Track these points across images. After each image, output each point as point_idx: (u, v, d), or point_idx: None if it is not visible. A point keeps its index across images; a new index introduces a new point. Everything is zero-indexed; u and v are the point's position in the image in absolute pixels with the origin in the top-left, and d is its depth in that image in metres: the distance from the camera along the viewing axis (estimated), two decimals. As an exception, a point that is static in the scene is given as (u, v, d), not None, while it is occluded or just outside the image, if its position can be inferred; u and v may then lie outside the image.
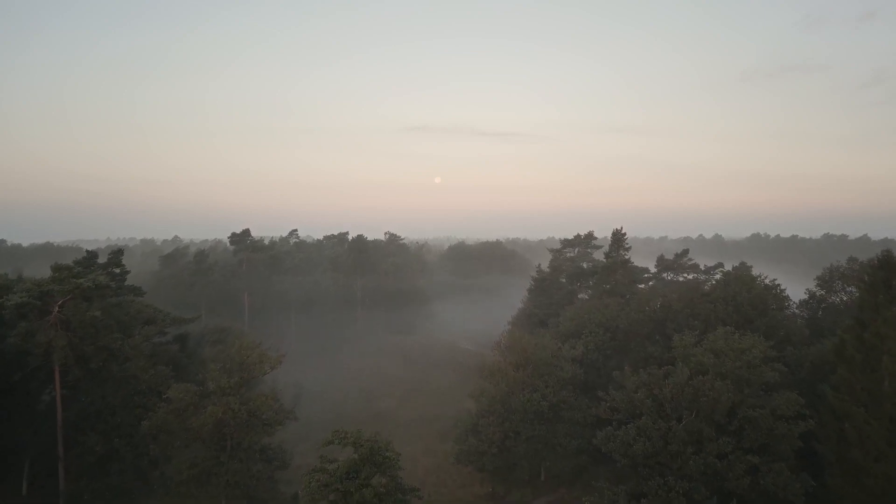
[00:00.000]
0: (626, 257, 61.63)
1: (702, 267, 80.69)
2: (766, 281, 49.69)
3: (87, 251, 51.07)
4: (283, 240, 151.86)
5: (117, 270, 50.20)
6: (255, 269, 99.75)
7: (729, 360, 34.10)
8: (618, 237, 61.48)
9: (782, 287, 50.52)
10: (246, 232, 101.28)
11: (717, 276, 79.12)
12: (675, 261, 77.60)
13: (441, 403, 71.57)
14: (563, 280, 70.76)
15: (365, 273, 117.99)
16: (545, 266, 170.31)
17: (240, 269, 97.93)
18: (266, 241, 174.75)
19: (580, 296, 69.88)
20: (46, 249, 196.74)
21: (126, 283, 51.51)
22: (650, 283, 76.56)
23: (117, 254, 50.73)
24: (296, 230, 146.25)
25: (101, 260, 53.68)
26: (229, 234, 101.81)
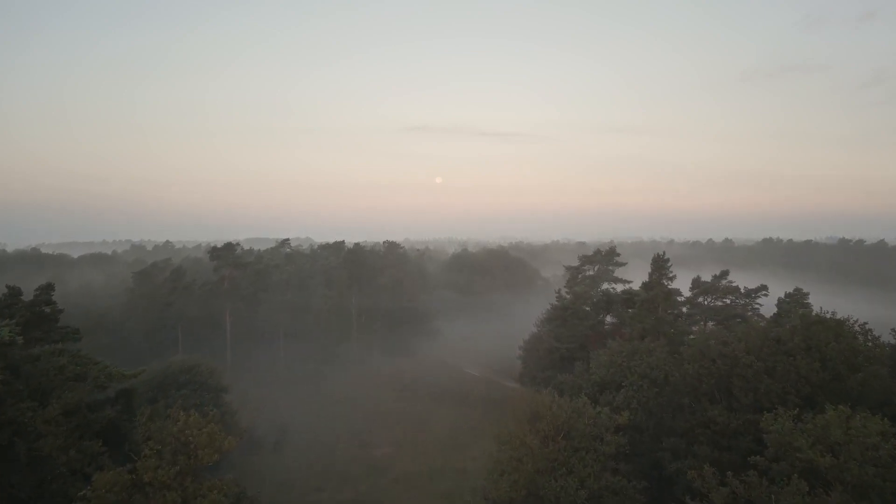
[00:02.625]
0: (669, 287, 51.72)
1: (741, 289, 70.97)
2: (856, 325, 39.86)
3: (9, 286, 41.28)
4: (275, 248, 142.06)
5: (47, 310, 40.43)
6: (238, 286, 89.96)
7: (854, 464, 24.29)
8: (659, 263, 51.46)
9: (875, 332, 40.67)
10: (228, 246, 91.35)
11: (760, 301, 69.71)
12: (714, 283, 67.83)
13: (446, 450, 61.88)
14: (588, 308, 60.86)
15: (361, 288, 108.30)
16: (552, 278, 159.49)
17: (221, 286, 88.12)
18: (257, 250, 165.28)
19: (608, 326, 60.14)
20: (29, 257, 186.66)
21: (59, 324, 41.66)
22: (685, 308, 66.82)
23: (47, 289, 41.00)
24: (287, 240, 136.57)
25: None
26: (209, 250, 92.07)
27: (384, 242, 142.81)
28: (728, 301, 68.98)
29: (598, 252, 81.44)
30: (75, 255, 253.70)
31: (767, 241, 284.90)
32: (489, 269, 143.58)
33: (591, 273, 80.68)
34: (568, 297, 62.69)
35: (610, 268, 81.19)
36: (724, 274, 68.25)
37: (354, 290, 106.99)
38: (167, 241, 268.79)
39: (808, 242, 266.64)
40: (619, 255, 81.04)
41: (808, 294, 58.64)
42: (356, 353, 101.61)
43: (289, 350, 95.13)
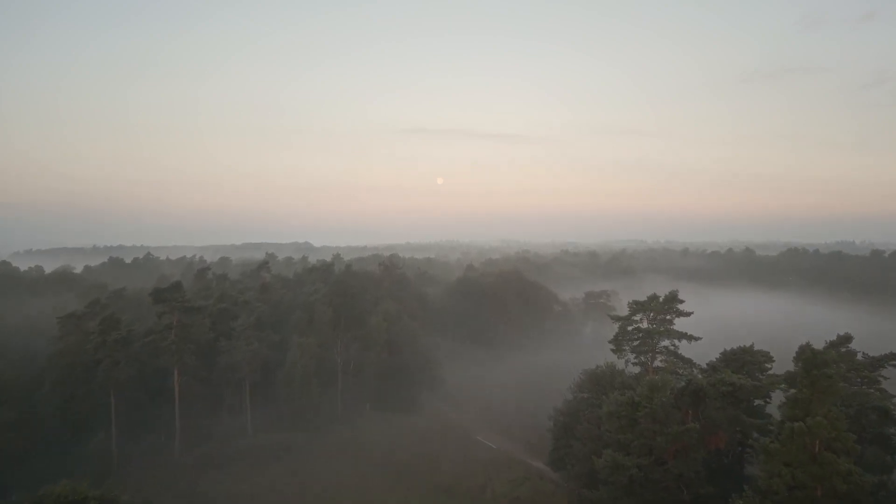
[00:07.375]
0: (833, 408, 31.90)
1: (859, 355, 52.29)
2: None
3: None
4: (254, 272, 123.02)
5: None
6: (191, 335, 70.91)
7: None
8: (812, 366, 31.28)
9: None
10: (176, 285, 72.29)
11: (885, 373, 51.00)
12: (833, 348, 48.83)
13: None
14: (666, 401, 41.62)
15: (350, 328, 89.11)
16: (571, 302, 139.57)
17: (168, 337, 69.03)
18: (232, 269, 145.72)
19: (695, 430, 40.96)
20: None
21: None
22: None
23: None
24: (266, 263, 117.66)
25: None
26: (151, 291, 72.96)
27: (380, 265, 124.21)
28: (848, 372, 50.01)
29: (653, 297, 62.40)
30: (58, 264, 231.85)
31: (792, 251, 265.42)
32: (500, 296, 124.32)
33: (645, 327, 61.74)
34: (642, 382, 43.31)
35: (668, 317, 62.35)
36: (845, 340, 49.32)
37: (341, 330, 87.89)
38: (148, 254, 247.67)
39: (837, 254, 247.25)
40: (682, 301, 62.04)
41: None
42: (341, 411, 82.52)
43: (256, 415, 76.02)
